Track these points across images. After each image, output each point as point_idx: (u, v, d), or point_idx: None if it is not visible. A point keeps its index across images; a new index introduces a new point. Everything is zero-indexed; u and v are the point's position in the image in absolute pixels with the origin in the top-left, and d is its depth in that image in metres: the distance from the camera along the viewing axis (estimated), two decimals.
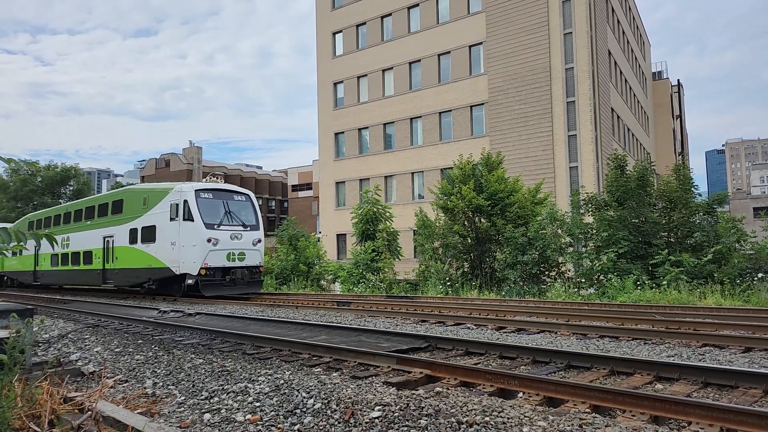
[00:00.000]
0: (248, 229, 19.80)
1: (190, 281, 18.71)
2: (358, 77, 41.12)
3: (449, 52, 36.74)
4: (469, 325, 10.68)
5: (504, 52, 34.23)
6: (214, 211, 19.12)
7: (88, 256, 24.51)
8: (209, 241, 18.34)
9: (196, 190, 19.16)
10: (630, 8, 47.80)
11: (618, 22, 40.77)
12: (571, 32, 32.32)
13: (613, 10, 38.85)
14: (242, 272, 19.19)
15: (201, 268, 18.11)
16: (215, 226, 18.77)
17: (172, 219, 19.19)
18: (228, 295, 19.08)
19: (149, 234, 20.39)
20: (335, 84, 42.51)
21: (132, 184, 55.84)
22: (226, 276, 18.93)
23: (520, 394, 5.46)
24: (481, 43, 35.45)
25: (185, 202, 18.88)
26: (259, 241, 20.05)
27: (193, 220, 18.56)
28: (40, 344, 9.44)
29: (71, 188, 63.26)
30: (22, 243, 3.64)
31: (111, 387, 6.13)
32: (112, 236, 22.66)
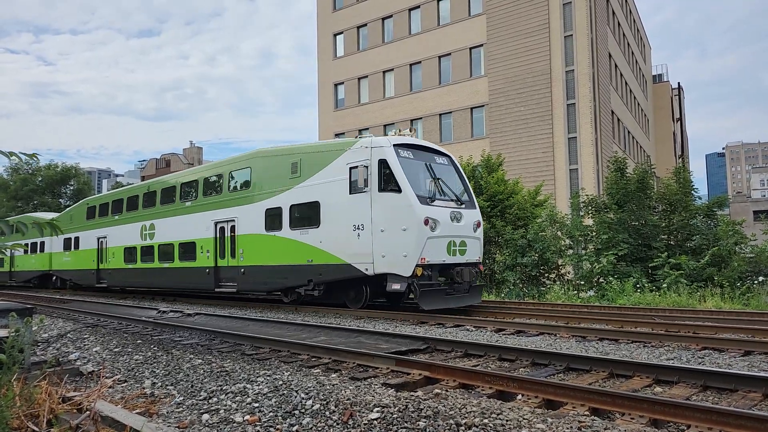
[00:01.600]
0: (463, 206, 13.47)
1: (396, 286, 12.31)
2: (359, 78, 41.15)
3: (450, 54, 36.78)
4: (468, 327, 10.67)
5: (504, 54, 34.26)
6: (421, 179, 13.07)
7: (187, 249, 18.41)
8: (427, 223, 12.09)
9: (394, 146, 12.87)
10: (630, 11, 47.83)
11: (618, 24, 40.81)
12: (571, 35, 32.35)
13: (613, 12, 38.89)
14: (469, 272, 12.96)
15: (417, 266, 11.94)
16: (429, 201, 12.64)
17: (355, 190, 12.98)
18: (445, 309, 12.67)
19: (306, 215, 14.25)
20: (336, 85, 42.55)
21: (131, 183, 55.11)
22: (442, 277, 13.15)
23: (519, 397, 5.45)
24: (481, 45, 35.49)
25: (382, 163, 12.60)
26: (479, 225, 13.72)
27: (399, 191, 12.26)
28: (39, 343, 9.44)
29: (71, 188, 63.27)
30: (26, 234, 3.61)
31: (110, 387, 6.13)
32: (233, 220, 16.53)
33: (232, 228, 16.52)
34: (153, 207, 20.66)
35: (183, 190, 19.35)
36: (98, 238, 24.05)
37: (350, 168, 13.19)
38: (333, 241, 13.41)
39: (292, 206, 14.63)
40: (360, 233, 12.79)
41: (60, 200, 60.30)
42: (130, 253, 21.65)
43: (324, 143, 15.31)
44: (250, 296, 19.45)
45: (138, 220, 21.28)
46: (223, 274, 16.85)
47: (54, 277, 28.81)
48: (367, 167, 12.74)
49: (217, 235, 17.10)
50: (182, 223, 18.79)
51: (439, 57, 37.31)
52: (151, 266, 20.35)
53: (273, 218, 15.15)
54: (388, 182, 12.53)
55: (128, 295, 23.41)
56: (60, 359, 7.38)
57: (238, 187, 16.83)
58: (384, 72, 39.84)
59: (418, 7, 38.33)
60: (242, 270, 16.01)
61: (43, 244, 29.18)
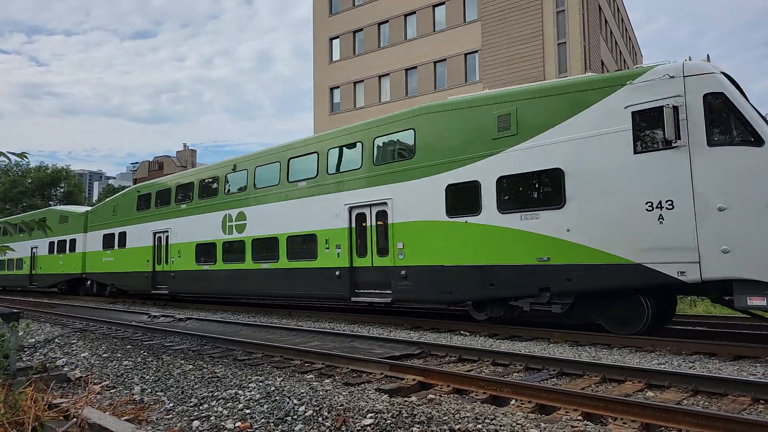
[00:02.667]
0: None
1: (758, 301, 7.70)
2: (355, 83, 41.20)
3: (445, 60, 36.92)
4: (462, 332, 10.64)
5: (499, 60, 34.44)
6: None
7: (305, 244, 14.21)
8: None
9: (723, 74, 8.58)
10: (623, 19, 48.27)
11: (611, 33, 41.15)
12: (564, 42, 32.57)
13: (606, 21, 39.23)
14: None
15: None
16: None
17: (649, 146, 8.72)
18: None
19: (532, 190, 10.11)
20: (332, 89, 42.58)
21: (125, 187, 53.86)
22: None
23: (513, 401, 5.43)
24: (476, 51, 35.66)
25: (714, 98, 8.32)
26: None
27: (758, 142, 7.89)
28: (26, 349, 9.32)
29: (62, 190, 62.88)
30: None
31: (98, 393, 6.05)
32: (383, 204, 12.43)
33: (382, 214, 12.49)
34: (236, 193, 16.70)
35: (292, 168, 15.13)
36: (154, 234, 20.04)
37: (635, 113, 8.83)
38: (598, 228, 9.07)
39: (500, 179, 10.35)
40: (665, 214, 8.43)
41: (50, 202, 59.88)
42: (206, 250, 17.41)
43: (567, 81, 10.21)
44: (306, 303, 16.94)
45: (218, 209, 17.20)
46: (365, 277, 12.87)
47: (89, 282, 24.62)
48: (677, 108, 8.39)
49: (353, 224, 13.15)
50: (293, 209, 14.72)
51: (435, 62, 37.46)
52: (240, 267, 16.00)
53: (461, 198, 10.93)
54: (729, 129, 8.23)
55: (118, 299, 22.80)
56: (47, 365, 7.28)
57: (392, 158, 12.66)
58: (380, 77, 39.91)
59: (414, 12, 38.48)
60: (402, 272, 11.78)
61: (74, 241, 25.35)
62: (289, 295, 15.20)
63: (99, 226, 24.00)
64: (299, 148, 15.13)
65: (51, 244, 27.41)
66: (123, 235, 22.02)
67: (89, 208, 27.20)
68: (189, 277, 18.08)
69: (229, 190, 17.05)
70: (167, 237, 19.34)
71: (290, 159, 15.20)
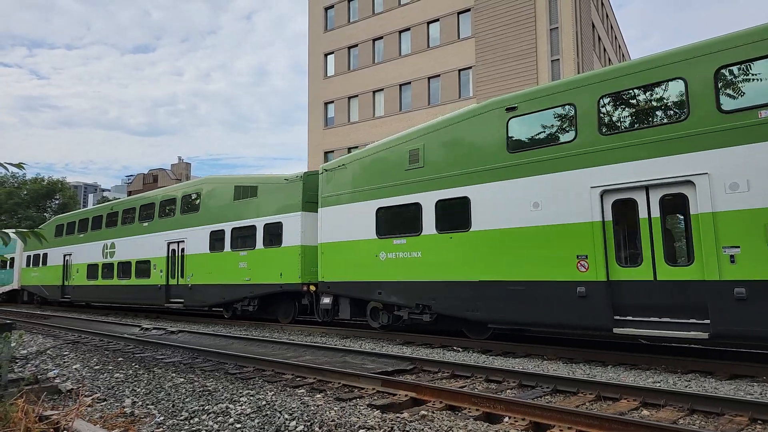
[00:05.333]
0: None
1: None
2: (349, 98, 41.45)
3: (439, 76, 37.22)
4: (455, 348, 10.61)
5: (493, 76, 34.76)
6: None
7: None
8: None
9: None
10: (616, 37, 48.91)
11: (604, 50, 41.67)
12: (558, 59, 32.93)
13: (599, 38, 39.73)
14: None
15: None
16: None
17: None
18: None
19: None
20: (326, 104, 42.80)
21: (118, 198, 53.40)
22: None
23: (506, 419, 5.40)
24: (470, 67, 35.99)
25: None
26: None
27: None
28: (18, 360, 9.21)
29: (57, 202, 62.62)
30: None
31: (88, 405, 5.97)
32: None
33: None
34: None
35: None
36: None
37: None
38: None
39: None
40: None
41: (45, 214, 59.57)
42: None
43: None
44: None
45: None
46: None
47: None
48: None
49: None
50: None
51: (429, 78, 37.75)
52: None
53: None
54: None
55: (110, 311, 23.01)
56: (38, 376, 7.20)
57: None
58: (374, 92, 40.17)
59: (409, 29, 38.86)
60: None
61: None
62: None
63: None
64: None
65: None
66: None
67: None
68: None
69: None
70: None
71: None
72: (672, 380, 7.31)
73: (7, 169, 3.53)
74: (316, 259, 13.88)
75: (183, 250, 18.46)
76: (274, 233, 15.40)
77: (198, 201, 18.30)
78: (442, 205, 11.16)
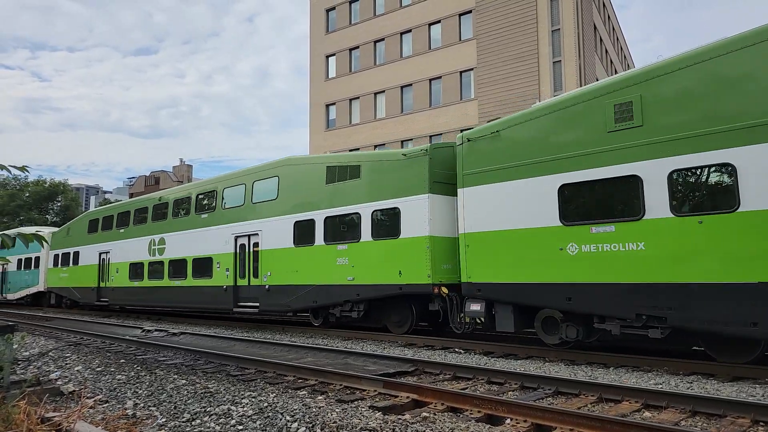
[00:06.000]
0: None
1: None
2: (350, 99, 41.48)
3: (440, 77, 37.24)
4: (456, 349, 10.60)
5: (494, 78, 34.76)
6: None
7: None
8: None
9: None
10: (618, 39, 48.91)
11: (606, 52, 41.66)
12: (560, 60, 32.93)
13: (601, 40, 39.73)
14: None
15: None
16: None
17: None
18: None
19: None
20: (327, 106, 42.84)
21: (120, 200, 53.63)
22: None
23: (508, 420, 5.40)
24: (471, 69, 35.99)
25: None
26: None
27: None
28: (20, 362, 9.23)
29: (59, 204, 62.74)
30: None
31: (90, 407, 5.98)
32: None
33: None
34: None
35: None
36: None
37: None
38: None
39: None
40: None
41: (46, 216, 59.69)
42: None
43: None
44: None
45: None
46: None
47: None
48: None
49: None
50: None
51: (430, 80, 37.77)
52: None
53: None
54: None
55: (111, 312, 22.89)
56: (40, 378, 7.21)
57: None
58: (375, 94, 40.20)
59: (410, 31, 38.89)
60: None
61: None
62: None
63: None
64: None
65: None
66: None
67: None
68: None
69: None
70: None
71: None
72: (674, 382, 7.30)
73: (11, 172, 3.55)
74: (448, 253, 11.59)
75: (256, 244, 15.61)
76: (387, 222, 12.59)
77: (275, 187, 15.41)
78: (679, 177, 8.16)
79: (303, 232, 14.28)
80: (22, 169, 3.64)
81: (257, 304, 15.23)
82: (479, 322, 10.99)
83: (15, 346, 6.03)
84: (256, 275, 15.48)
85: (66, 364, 9.10)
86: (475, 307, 10.42)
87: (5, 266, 29.77)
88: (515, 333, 10.95)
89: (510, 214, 9.97)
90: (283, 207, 14.96)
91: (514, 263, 9.84)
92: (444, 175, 11.91)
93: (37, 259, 27.55)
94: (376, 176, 12.98)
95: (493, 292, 10.16)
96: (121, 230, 21.35)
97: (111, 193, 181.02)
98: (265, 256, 15.29)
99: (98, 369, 8.49)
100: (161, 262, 18.74)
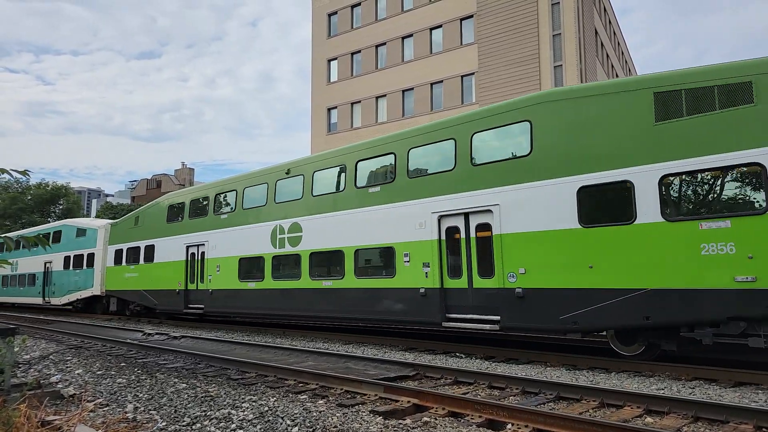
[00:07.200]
0: None
1: None
2: (352, 103, 41.56)
3: (442, 81, 37.31)
4: (457, 354, 10.57)
5: (495, 82, 34.81)
6: None
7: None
8: None
9: None
10: (619, 43, 48.98)
11: (607, 56, 41.71)
12: (561, 65, 32.97)
13: (602, 44, 39.78)
14: None
15: None
16: None
17: None
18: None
19: None
20: (329, 109, 42.92)
21: (122, 204, 53.83)
22: None
23: (509, 426, 5.38)
24: (473, 73, 36.06)
25: None
26: None
27: None
28: (21, 365, 9.22)
29: (61, 207, 62.83)
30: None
31: (91, 411, 5.97)
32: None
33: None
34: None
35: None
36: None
37: None
38: None
39: None
40: None
41: (49, 219, 59.75)
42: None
43: None
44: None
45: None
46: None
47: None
48: None
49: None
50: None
51: (431, 84, 37.85)
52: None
53: None
54: None
55: (113, 316, 22.73)
56: (41, 381, 7.20)
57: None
58: (377, 97, 40.28)
59: (411, 35, 38.98)
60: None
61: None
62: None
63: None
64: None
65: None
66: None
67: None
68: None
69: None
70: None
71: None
72: (676, 387, 7.27)
73: (12, 176, 3.56)
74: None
75: (486, 227, 10.37)
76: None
77: (526, 137, 9.99)
78: None
79: (596, 206, 8.97)
80: (24, 173, 3.65)
81: (497, 317, 10.00)
82: None
83: (16, 349, 6.02)
84: (491, 273, 10.17)
85: (67, 367, 9.09)
86: None
87: (50, 266, 25.04)
88: (520, 337, 11.18)
89: None
90: (543, 169, 9.62)
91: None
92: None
93: (91, 256, 22.48)
94: None
95: None
96: (223, 216, 16.56)
97: (113, 196, 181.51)
98: (510, 245, 9.89)
99: (99, 372, 8.48)
100: (295, 257, 13.94)
